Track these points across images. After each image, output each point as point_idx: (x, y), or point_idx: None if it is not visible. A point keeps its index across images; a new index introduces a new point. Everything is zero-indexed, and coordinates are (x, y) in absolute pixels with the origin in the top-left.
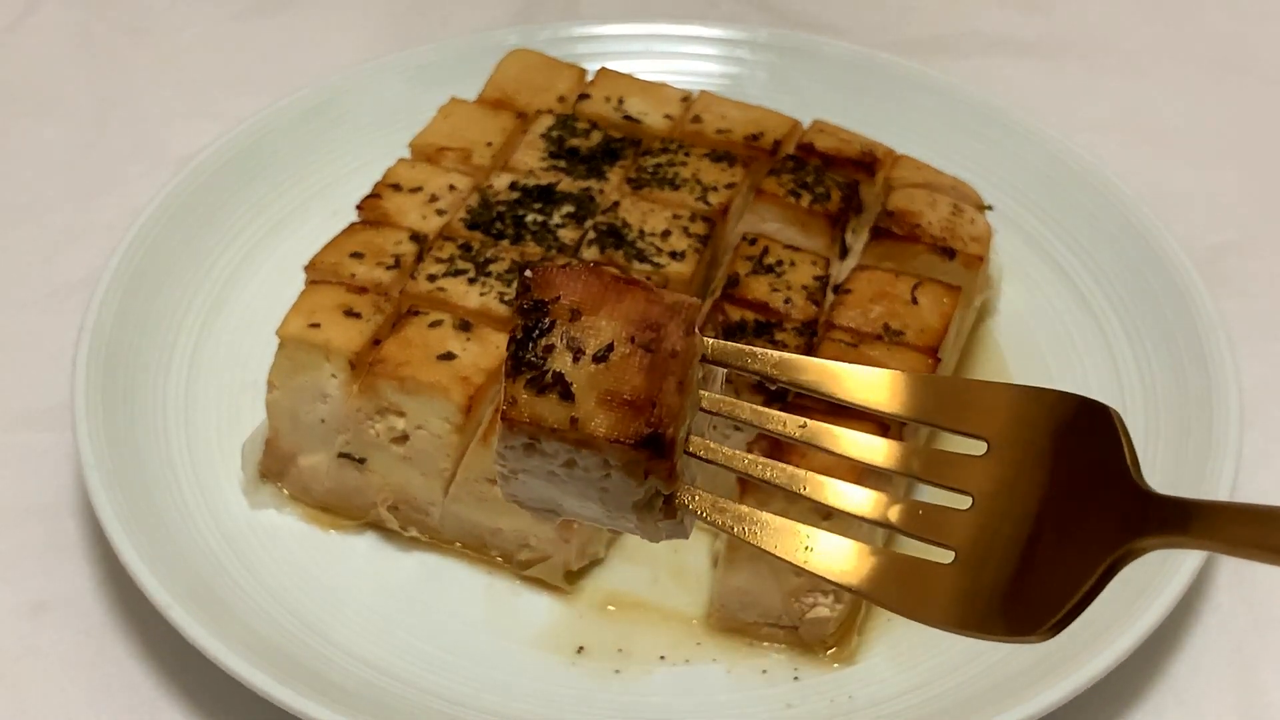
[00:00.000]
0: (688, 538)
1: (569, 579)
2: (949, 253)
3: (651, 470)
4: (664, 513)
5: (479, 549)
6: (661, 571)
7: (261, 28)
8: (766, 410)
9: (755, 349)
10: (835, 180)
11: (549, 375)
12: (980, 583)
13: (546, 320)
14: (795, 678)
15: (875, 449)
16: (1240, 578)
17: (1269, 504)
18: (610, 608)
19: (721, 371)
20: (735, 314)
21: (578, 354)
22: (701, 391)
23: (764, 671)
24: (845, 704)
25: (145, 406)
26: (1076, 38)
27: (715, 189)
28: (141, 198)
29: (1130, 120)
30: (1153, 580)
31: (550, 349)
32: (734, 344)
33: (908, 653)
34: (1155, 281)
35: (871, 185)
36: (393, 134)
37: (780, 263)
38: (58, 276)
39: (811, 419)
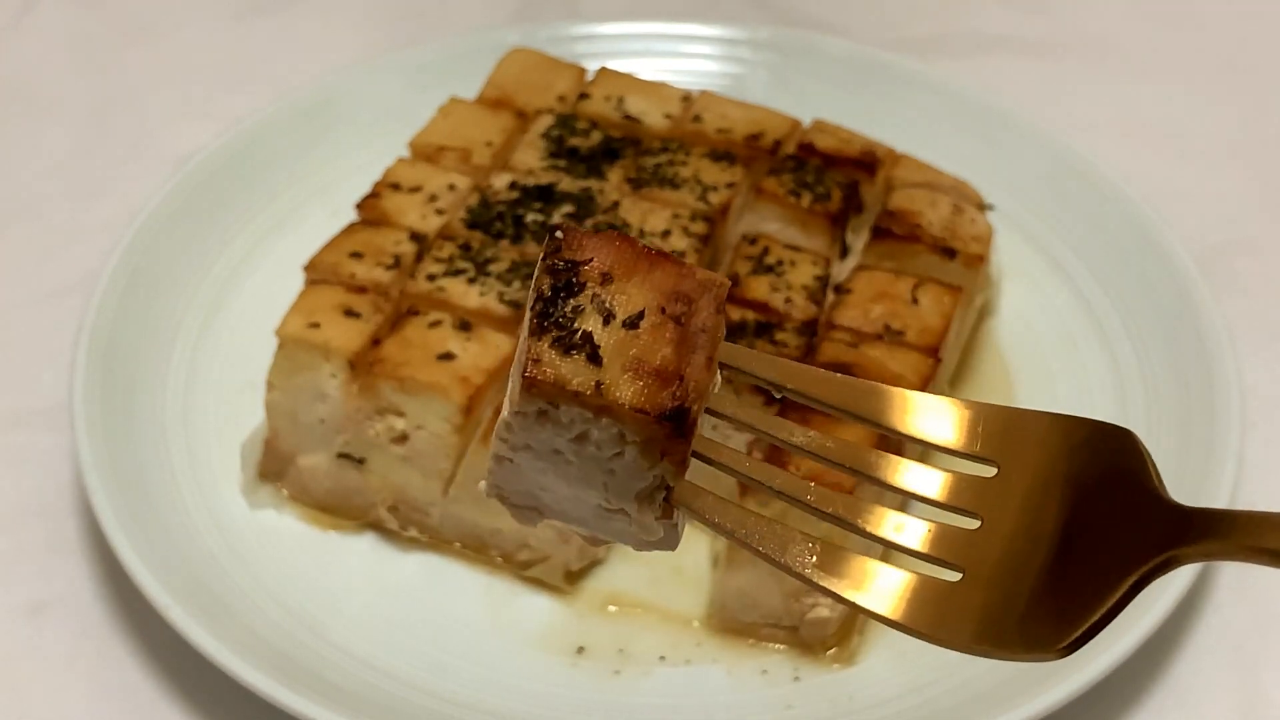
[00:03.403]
0: (674, 549)
1: (569, 579)
2: (950, 252)
3: (667, 451)
4: (662, 510)
5: (479, 549)
6: (662, 572)
7: (261, 28)
8: (771, 417)
9: (762, 354)
10: (836, 180)
11: (577, 335)
12: (992, 599)
13: (576, 281)
14: (796, 678)
15: (878, 463)
16: (1242, 578)
17: None
18: (610, 608)
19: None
20: (735, 314)
21: (608, 318)
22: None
23: (764, 672)
24: (846, 704)
25: (144, 406)
26: (1077, 37)
27: (715, 189)
28: (141, 198)
29: (1131, 119)
30: (1153, 581)
31: (579, 310)
32: (740, 347)
33: (908, 653)
34: (1157, 281)
35: (872, 185)
36: (392, 134)
37: (780, 263)
38: (57, 276)
39: (813, 428)
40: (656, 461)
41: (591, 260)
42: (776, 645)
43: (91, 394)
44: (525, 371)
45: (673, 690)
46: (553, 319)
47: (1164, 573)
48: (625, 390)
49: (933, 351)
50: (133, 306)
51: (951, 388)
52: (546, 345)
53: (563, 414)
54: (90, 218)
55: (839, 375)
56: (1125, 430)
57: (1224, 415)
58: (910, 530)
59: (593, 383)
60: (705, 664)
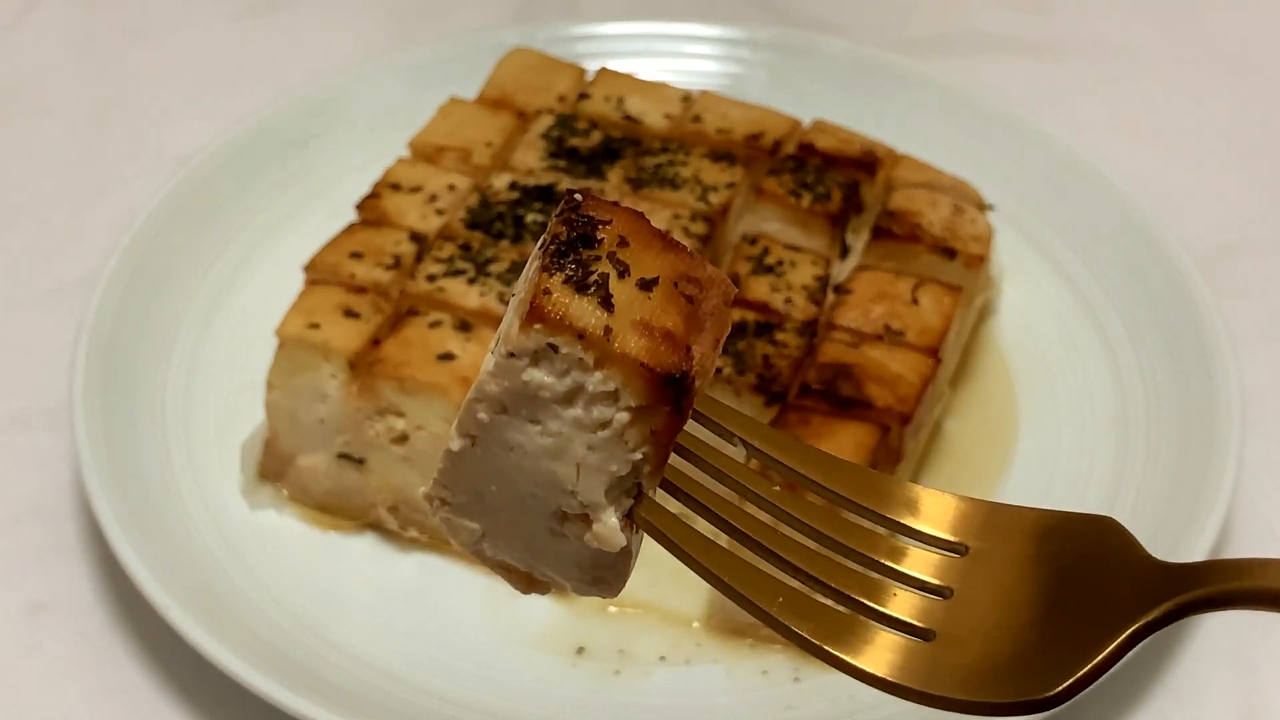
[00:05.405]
0: (616, 595)
1: None
2: (950, 253)
3: (658, 429)
4: (625, 521)
5: None
6: (662, 572)
7: (261, 28)
8: (745, 468)
9: (742, 414)
10: (836, 180)
11: (592, 278)
12: (972, 658)
13: (594, 235)
14: (796, 679)
15: (846, 529)
16: None
17: None
18: (610, 608)
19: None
20: (735, 314)
21: (623, 273)
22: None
23: (764, 673)
24: (846, 705)
25: (144, 407)
26: (1077, 37)
27: (715, 189)
28: (140, 198)
29: (1131, 120)
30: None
31: (595, 259)
32: (720, 400)
33: None
34: (1157, 281)
35: (872, 185)
36: (392, 134)
37: (781, 263)
38: (56, 276)
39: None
40: (644, 439)
41: (611, 222)
42: (777, 646)
43: (91, 394)
44: (534, 300)
45: (673, 690)
46: (568, 259)
47: (1168, 624)
48: (633, 342)
49: (933, 352)
50: (133, 306)
51: (952, 388)
52: (559, 281)
53: (559, 360)
54: (90, 218)
55: (810, 446)
56: (1105, 516)
57: (1224, 415)
58: (881, 593)
59: (602, 327)
60: (705, 664)
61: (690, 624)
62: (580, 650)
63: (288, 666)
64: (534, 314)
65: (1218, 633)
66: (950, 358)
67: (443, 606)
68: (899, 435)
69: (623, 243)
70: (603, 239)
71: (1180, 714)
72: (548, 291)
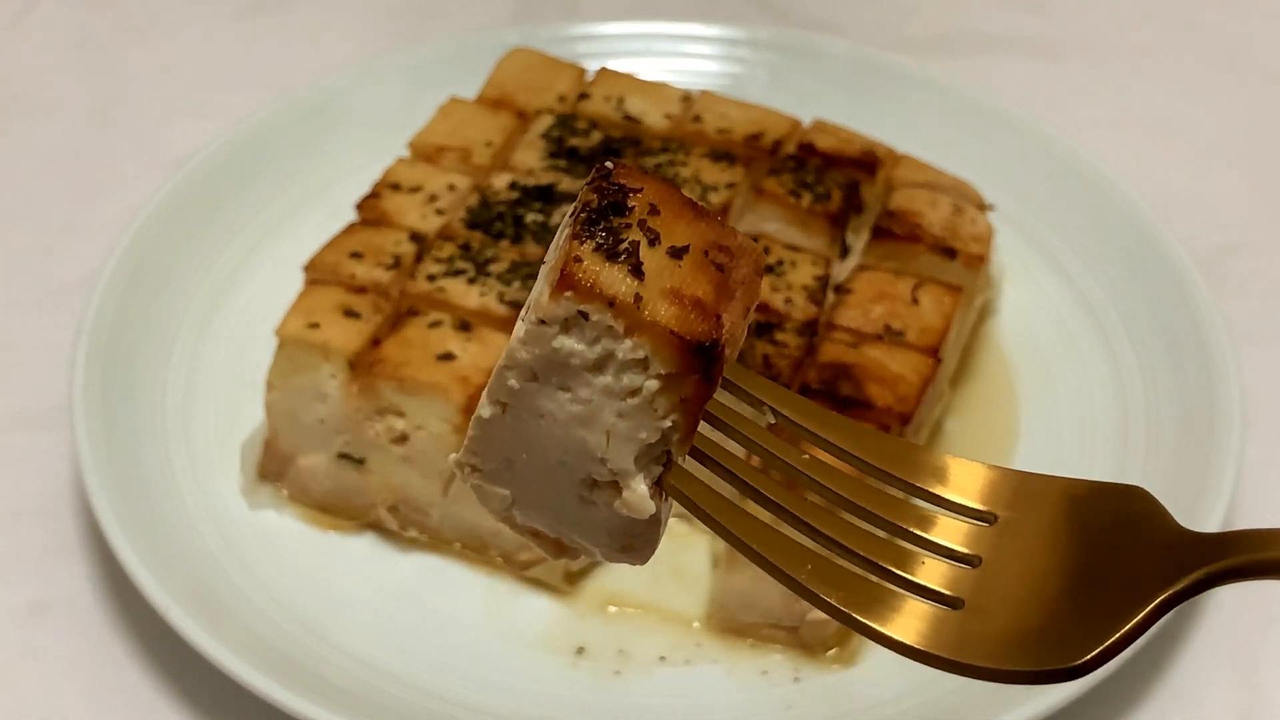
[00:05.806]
0: (645, 562)
1: (569, 580)
2: (950, 253)
3: (688, 398)
4: (654, 489)
5: (479, 549)
6: (662, 572)
7: (261, 27)
8: (770, 434)
9: (769, 381)
10: (836, 180)
11: (623, 246)
12: (999, 627)
13: (625, 204)
14: (796, 679)
15: (871, 496)
16: None
17: None
18: (610, 608)
19: None
20: None
21: (653, 241)
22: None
23: (764, 673)
24: (846, 705)
25: (144, 407)
26: (1077, 37)
27: (715, 189)
28: (140, 197)
29: (1131, 120)
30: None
31: (626, 226)
32: (748, 369)
33: None
34: (1157, 282)
35: (872, 185)
36: (392, 134)
37: (781, 263)
38: (56, 276)
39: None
40: (674, 406)
41: (642, 190)
42: (777, 646)
43: (91, 394)
44: (564, 268)
45: (673, 690)
46: (599, 227)
47: (1197, 593)
48: (663, 310)
49: (933, 352)
50: (133, 306)
51: (952, 388)
52: (590, 249)
53: (589, 328)
54: (90, 218)
55: (839, 415)
56: (1134, 486)
57: (1224, 415)
58: (909, 561)
59: (632, 294)
60: (705, 664)
61: (690, 624)
62: (580, 650)
63: (288, 666)
64: (564, 281)
65: (1218, 632)
66: (950, 358)
67: (443, 606)
68: (899, 435)
69: (654, 211)
70: (634, 207)
71: (1180, 714)
72: (578, 259)
